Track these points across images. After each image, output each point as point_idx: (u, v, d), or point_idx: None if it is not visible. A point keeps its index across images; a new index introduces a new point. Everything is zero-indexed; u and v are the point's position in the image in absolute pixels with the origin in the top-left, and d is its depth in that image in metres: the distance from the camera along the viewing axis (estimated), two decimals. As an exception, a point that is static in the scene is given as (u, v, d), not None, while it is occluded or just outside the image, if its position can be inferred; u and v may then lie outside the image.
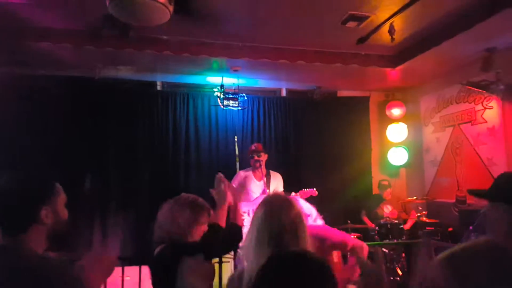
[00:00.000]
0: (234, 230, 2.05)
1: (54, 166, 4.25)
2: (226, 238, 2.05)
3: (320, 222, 2.70)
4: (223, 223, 2.10)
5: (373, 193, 5.66)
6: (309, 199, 4.39)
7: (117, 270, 3.32)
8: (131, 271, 4.02)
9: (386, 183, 5.36)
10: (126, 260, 3.88)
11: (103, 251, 1.46)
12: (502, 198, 1.32)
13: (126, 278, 3.43)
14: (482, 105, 4.67)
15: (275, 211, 1.49)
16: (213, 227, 2.07)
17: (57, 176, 1.42)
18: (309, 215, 2.59)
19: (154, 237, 2.03)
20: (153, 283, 1.99)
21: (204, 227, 2.07)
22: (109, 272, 1.47)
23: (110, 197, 4.72)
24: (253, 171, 4.44)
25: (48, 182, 1.37)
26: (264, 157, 4.35)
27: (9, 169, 1.44)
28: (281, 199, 1.56)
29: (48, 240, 1.33)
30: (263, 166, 4.32)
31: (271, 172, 4.48)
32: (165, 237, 2.00)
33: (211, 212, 2.13)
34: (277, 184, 4.43)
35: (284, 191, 4.39)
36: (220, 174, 2.26)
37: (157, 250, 1.99)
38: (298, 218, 1.49)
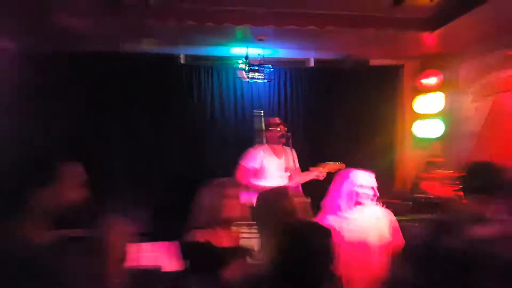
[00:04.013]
0: None
1: (78, 143, 4.25)
2: None
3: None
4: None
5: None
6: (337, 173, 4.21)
7: (137, 246, 3.28)
8: (150, 247, 3.96)
9: (440, 160, 4.97)
10: (147, 236, 3.87)
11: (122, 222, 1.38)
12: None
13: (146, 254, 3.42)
14: (529, 71, 4.28)
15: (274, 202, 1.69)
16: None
17: (78, 154, 1.32)
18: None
19: (195, 220, 2.14)
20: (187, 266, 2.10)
21: (237, 201, 2.16)
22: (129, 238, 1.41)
23: (134, 173, 4.73)
24: (271, 146, 4.15)
25: (51, 163, 1.26)
26: None
27: (28, 145, 1.36)
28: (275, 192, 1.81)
29: (53, 221, 1.24)
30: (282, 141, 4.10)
31: (285, 147, 4.18)
32: (209, 222, 2.10)
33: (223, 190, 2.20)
34: (293, 159, 4.12)
35: (300, 165, 4.19)
36: None
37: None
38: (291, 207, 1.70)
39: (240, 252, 2.12)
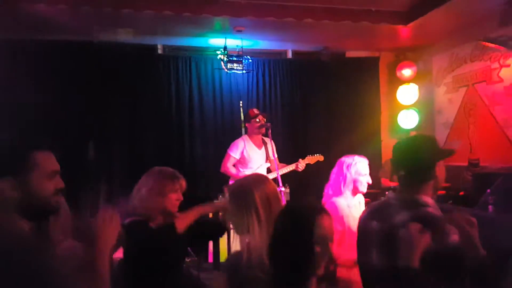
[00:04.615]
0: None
1: (53, 134, 4.16)
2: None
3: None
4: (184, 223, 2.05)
5: (383, 157, 5.54)
6: (316, 164, 4.30)
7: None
8: None
9: None
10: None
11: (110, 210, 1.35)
12: None
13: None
14: (499, 63, 4.44)
15: (263, 185, 1.61)
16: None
17: (50, 143, 1.27)
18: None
19: (128, 207, 2.03)
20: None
21: (175, 196, 2.04)
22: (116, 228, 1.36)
23: (113, 164, 4.70)
24: (252, 137, 4.16)
25: (19, 150, 1.19)
26: None
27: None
28: (261, 176, 1.74)
29: (22, 214, 1.17)
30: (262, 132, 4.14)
31: (265, 138, 4.22)
32: (133, 209, 2.00)
33: (183, 182, 2.09)
34: (272, 150, 4.13)
35: (278, 157, 4.24)
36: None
37: (126, 221, 1.98)
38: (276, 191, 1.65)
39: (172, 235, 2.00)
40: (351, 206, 2.46)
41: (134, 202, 2.02)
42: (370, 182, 2.51)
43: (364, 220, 1.62)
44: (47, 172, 1.21)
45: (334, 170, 2.55)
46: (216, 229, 2.26)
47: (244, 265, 1.48)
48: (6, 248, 1.08)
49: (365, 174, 2.48)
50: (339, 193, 2.48)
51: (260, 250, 1.46)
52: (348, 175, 2.45)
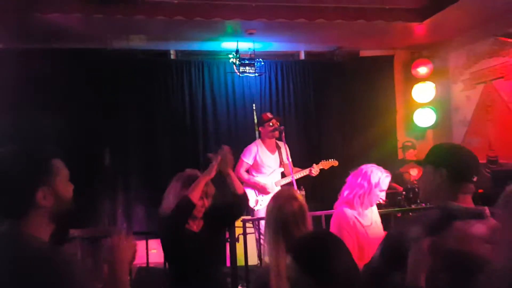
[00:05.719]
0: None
1: (70, 142, 4.22)
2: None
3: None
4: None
5: (399, 155, 5.46)
6: (331, 169, 4.24)
7: (142, 243, 3.31)
8: (156, 244, 4.04)
9: (409, 143, 5.18)
10: (150, 234, 3.89)
11: (121, 236, 1.38)
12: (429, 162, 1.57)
13: (152, 251, 3.43)
14: (518, 58, 4.33)
15: (281, 204, 1.74)
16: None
17: (61, 151, 1.30)
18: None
19: (161, 208, 2.18)
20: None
21: (200, 203, 2.11)
22: (132, 256, 1.40)
23: (130, 170, 4.75)
24: (265, 142, 4.13)
25: (42, 159, 1.23)
26: None
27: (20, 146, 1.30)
28: (287, 193, 1.83)
29: (54, 220, 1.22)
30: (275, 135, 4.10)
31: (278, 142, 4.18)
32: (163, 211, 2.14)
33: (210, 189, 2.18)
34: (286, 155, 4.09)
35: (292, 160, 4.20)
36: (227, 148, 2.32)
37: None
38: (300, 210, 1.72)
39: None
40: (365, 216, 2.45)
41: (163, 205, 2.15)
42: (384, 199, 2.52)
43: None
44: (66, 175, 1.27)
45: (356, 176, 2.48)
46: (234, 204, 2.29)
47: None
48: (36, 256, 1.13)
49: (384, 191, 2.45)
50: (353, 203, 2.44)
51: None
52: (367, 187, 2.40)
